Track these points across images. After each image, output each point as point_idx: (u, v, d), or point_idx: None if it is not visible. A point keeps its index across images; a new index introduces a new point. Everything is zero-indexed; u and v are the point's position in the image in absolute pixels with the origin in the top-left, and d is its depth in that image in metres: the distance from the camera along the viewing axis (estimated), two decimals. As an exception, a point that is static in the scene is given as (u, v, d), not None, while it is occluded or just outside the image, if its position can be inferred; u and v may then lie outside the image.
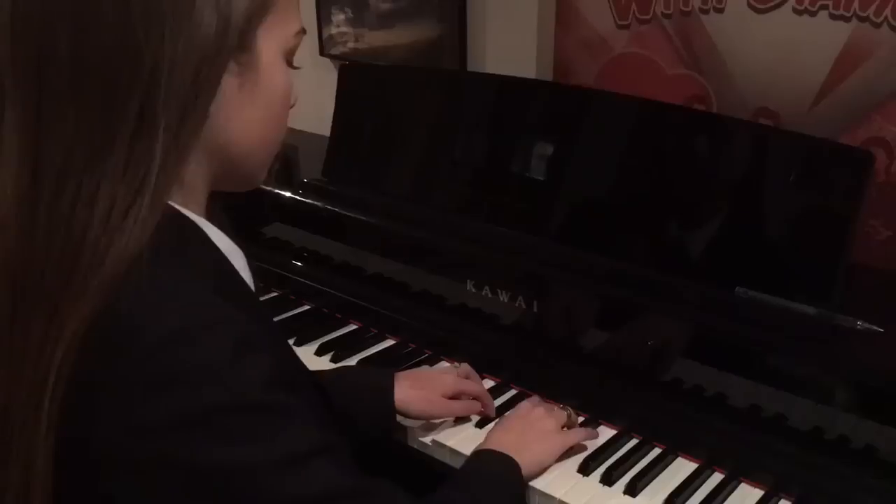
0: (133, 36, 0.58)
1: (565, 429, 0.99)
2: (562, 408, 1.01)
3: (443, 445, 1.01)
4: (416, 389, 1.00)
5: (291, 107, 0.70)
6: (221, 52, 0.61)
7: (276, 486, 0.60)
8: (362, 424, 0.96)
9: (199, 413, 0.58)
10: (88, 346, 0.57)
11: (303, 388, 0.75)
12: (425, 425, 1.04)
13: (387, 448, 1.02)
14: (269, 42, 0.65)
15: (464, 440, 1.01)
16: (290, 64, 0.69)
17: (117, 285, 0.58)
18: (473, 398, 1.05)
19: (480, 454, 0.91)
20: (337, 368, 1.04)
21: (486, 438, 0.95)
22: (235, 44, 0.62)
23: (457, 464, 0.98)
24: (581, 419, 1.05)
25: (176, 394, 0.57)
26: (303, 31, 0.69)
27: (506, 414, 1.02)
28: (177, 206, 0.64)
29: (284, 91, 0.68)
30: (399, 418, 1.01)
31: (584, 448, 1.00)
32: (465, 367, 1.09)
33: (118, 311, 0.58)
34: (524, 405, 1.01)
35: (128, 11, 0.58)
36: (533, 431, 0.96)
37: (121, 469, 0.59)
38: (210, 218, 0.69)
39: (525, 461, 0.91)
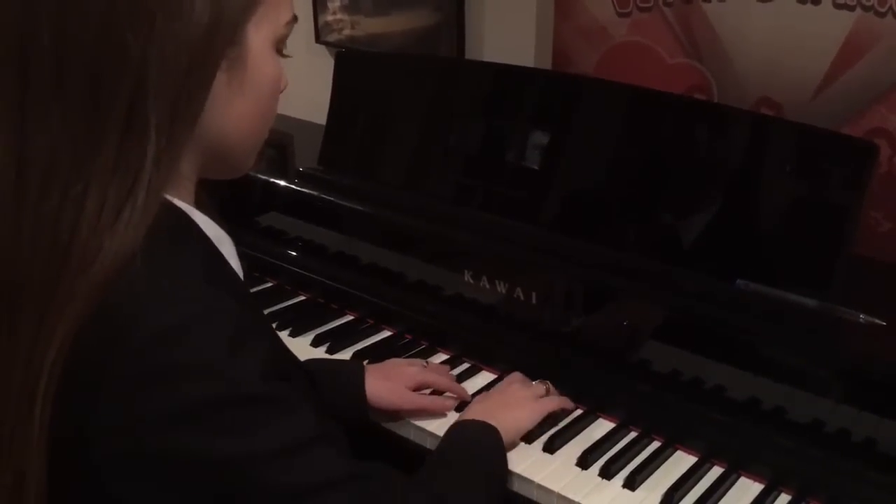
0: (119, 31, 0.57)
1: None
2: (540, 382, 1.03)
3: (422, 430, 1.01)
4: (382, 380, 1.02)
5: (281, 92, 0.69)
6: (213, 48, 0.60)
7: (278, 475, 0.61)
8: (335, 413, 0.95)
9: (199, 407, 0.58)
10: (82, 346, 0.57)
11: (295, 375, 0.75)
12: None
13: (369, 433, 1.02)
14: (260, 34, 0.63)
15: (444, 424, 1.00)
16: (280, 53, 0.67)
17: (109, 286, 0.57)
18: (441, 392, 1.06)
19: (460, 424, 0.93)
20: (308, 360, 1.04)
21: (464, 411, 0.97)
22: (227, 39, 0.60)
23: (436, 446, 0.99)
24: (579, 411, 1.05)
25: (174, 389, 0.57)
26: (294, 19, 0.67)
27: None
28: (166, 196, 0.63)
29: (274, 82, 0.67)
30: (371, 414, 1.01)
31: (583, 440, 0.99)
32: (435, 364, 1.11)
33: (111, 307, 0.57)
34: (502, 382, 1.04)
35: (113, 4, 0.56)
36: (509, 399, 0.98)
37: (124, 466, 0.58)
38: (198, 204, 0.68)
39: (502, 426, 0.92)
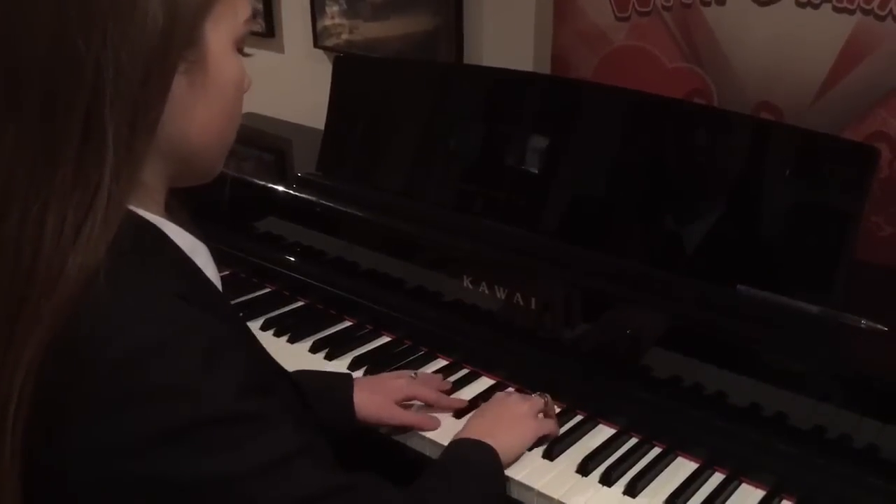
0: (71, 42, 0.55)
1: (541, 416, 1.01)
2: (539, 395, 1.02)
3: (422, 437, 1.01)
4: (369, 393, 1.01)
5: (245, 92, 0.68)
6: (170, 52, 0.58)
7: (261, 492, 0.59)
8: (323, 425, 0.94)
9: (177, 428, 0.56)
10: (52, 367, 0.55)
11: (277, 386, 0.73)
12: None
13: (367, 440, 1.02)
14: (218, 34, 0.62)
15: (443, 431, 1.00)
16: (240, 52, 0.66)
17: (75, 304, 0.55)
18: (430, 404, 1.05)
19: (456, 443, 0.92)
20: (296, 371, 1.03)
21: (463, 427, 0.96)
22: (184, 41, 0.59)
23: (436, 454, 0.98)
24: (579, 417, 1.04)
25: (150, 411, 0.55)
26: (252, 17, 0.66)
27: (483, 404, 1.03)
28: (134, 209, 0.61)
29: (237, 82, 0.65)
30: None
31: (583, 447, 0.99)
32: (425, 374, 1.10)
33: (80, 328, 0.55)
34: (499, 394, 1.04)
35: (63, 15, 0.55)
36: (507, 416, 0.97)
37: (101, 491, 0.57)
38: (168, 213, 0.66)
39: (500, 445, 0.91)
